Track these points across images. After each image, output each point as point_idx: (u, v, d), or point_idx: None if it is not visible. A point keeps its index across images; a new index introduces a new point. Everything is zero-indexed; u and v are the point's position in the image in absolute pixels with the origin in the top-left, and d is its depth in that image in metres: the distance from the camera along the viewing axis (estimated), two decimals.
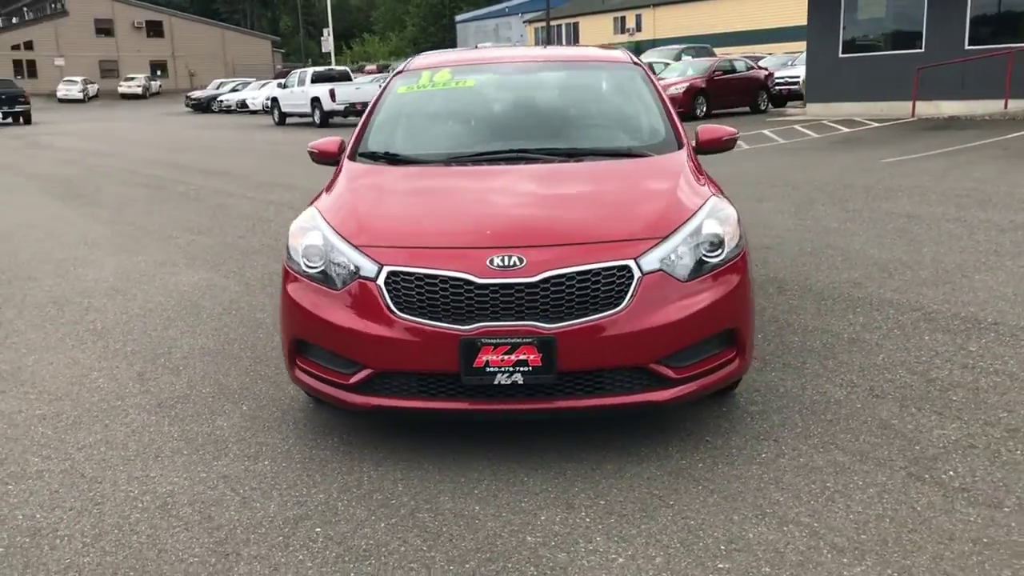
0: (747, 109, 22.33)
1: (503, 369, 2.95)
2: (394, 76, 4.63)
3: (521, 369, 2.95)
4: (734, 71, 22.41)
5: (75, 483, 3.11)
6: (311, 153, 4.29)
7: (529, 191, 3.53)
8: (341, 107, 25.36)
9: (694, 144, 4.17)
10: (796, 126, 17.20)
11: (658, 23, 54.58)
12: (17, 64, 57.78)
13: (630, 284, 3.02)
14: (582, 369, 3.00)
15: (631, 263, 3.04)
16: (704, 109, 21.07)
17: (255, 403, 3.82)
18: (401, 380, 3.09)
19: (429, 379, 3.05)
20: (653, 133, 4.02)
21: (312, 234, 3.34)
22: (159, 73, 62.22)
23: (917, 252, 6.15)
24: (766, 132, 16.27)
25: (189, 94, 44.18)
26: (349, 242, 3.21)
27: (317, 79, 26.80)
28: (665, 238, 3.14)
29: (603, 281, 3.01)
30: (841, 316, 4.78)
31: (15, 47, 58.72)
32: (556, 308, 2.97)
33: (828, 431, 3.35)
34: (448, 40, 77.67)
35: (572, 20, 62.55)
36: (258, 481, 3.09)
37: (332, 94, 25.34)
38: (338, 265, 3.18)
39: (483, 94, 4.43)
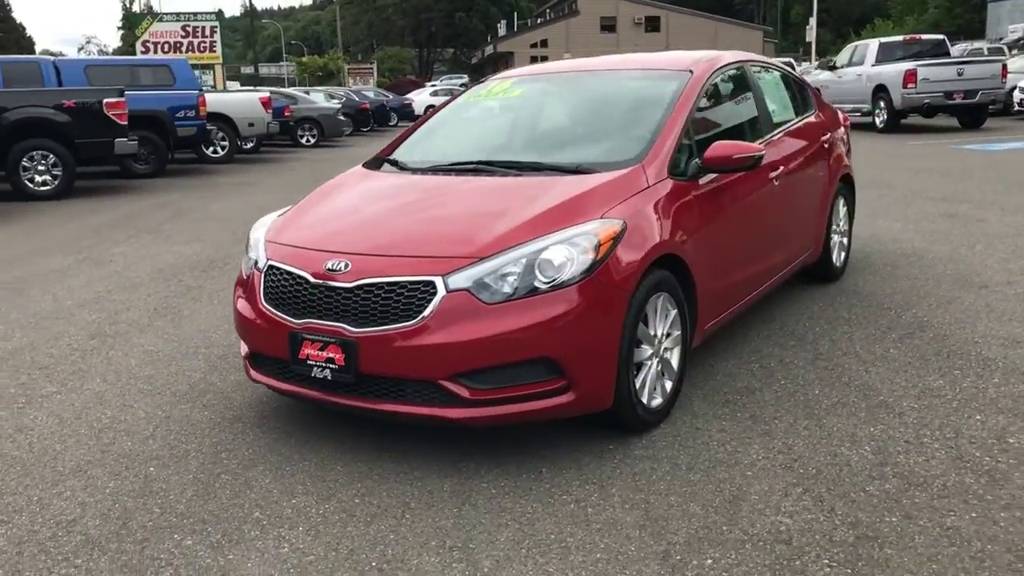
0: None
1: (318, 364, 3.24)
2: (474, 85, 4.92)
3: (330, 366, 3.21)
4: None
5: (87, 406, 4.08)
6: None
7: (426, 202, 3.66)
8: None
9: (699, 162, 3.83)
10: None
11: None
12: (533, 60, 65.84)
13: (431, 299, 3.07)
14: (382, 374, 3.15)
15: (437, 279, 3.08)
16: None
17: None
18: (268, 361, 3.53)
19: (281, 363, 3.44)
20: (627, 149, 3.78)
21: (263, 229, 3.90)
22: None
23: None
24: None
25: None
26: (265, 237, 3.72)
27: None
28: (484, 258, 3.10)
29: (406, 293, 3.11)
30: (918, 376, 3.94)
31: (533, 45, 67.01)
32: (363, 314, 3.16)
33: (667, 491, 3.00)
34: (977, 22, 69.65)
35: None
36: (174, 425, 3.74)
37: None
38: (258, 256, 3.70)
39: (510, 106, 4.52)
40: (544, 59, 66.59)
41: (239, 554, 2.71)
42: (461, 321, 3.04)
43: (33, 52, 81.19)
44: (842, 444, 3.29)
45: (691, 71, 4.24)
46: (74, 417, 3.89)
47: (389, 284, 3.14)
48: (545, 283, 3.08)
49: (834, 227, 5.60)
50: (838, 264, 5.70)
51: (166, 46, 35.97)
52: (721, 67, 4.45)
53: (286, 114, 20.52)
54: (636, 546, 2.67)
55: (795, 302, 5.23)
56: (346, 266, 3.23)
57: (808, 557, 2.55)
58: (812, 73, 23.98)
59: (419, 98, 36.83)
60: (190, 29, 36.21)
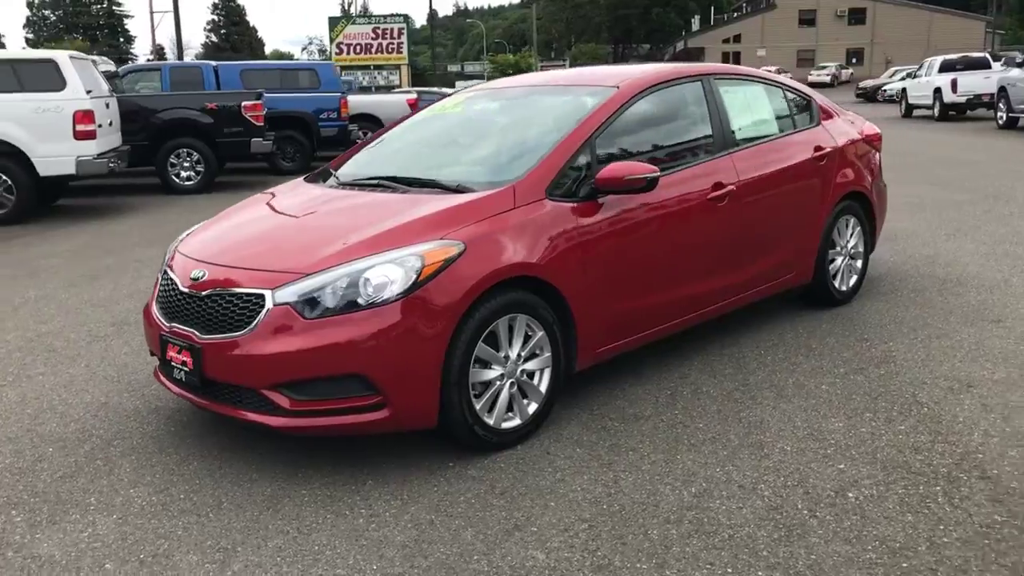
0: None
1: (176, 366, 3.50)
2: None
3: (184, 369, 3.46)
4: None
5: (54, 388, 4.56)
6: None
7: (309, 217, 3.82)
8: (962, 99, 22.85)
9: (593, 184, 3.76)
10: None
11: None
12: (725, 56, 64.13)
13: (259, 312, 3.25)
14: (220, 380, 3.36)
15: (267, 293, 3.26)
16: None
17: None
18: (161, 364, 3.82)
19: (165, 365, 3.73)
20: (513, 168, 3.76)
21: (180, 237, 4.21)
22: (854, 61, 62.26)
23: None
24: None
25: (861, 83, 43.64)
26: (176, 244, 4.03)
27: (946, 67, 24.41)
28: (310, 274, 3.24)
29: (241, 305, 3.30)
30: (821, 417, 3.70)
31: (725, 40, 65.24)
32: (210, 321, 3.39)
33: (461, 514, 3.02)
34: None
35: None
36: (103, 411, 4.12)
37: (953, 84, 22.96)
38: (164, 263, 4.01)
39: (447, 121, 4.59)
40: (736, 55, 64.72)
41: (45, 535, 3.01)
42: (283, 334, 3.20)
43: (263, 53, 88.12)
44: (672, 483, 3.16)
45: (617, 87, 4.15)
46: (34, 397, 4.38)
47: (230, 295, 3.35)
48: (364, 301, 3.17)
49: (837, 248, 5.24)
50: (844, 288, 5.32)
51: (358, 47, 38.12)
52: (659, 83, 4.31)
53: None
54: (379, 565, 2.73)
55: (772, 326, 4.96)
56: (203, 275, 3.47)
57: None
58: (1001, 71, 21.89)
59: None
60: (379, 31, 38.15)
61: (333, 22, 39.83)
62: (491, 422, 3.44)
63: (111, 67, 14.94)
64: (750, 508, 2.95)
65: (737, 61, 64.40)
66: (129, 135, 12.10)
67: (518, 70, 65.75)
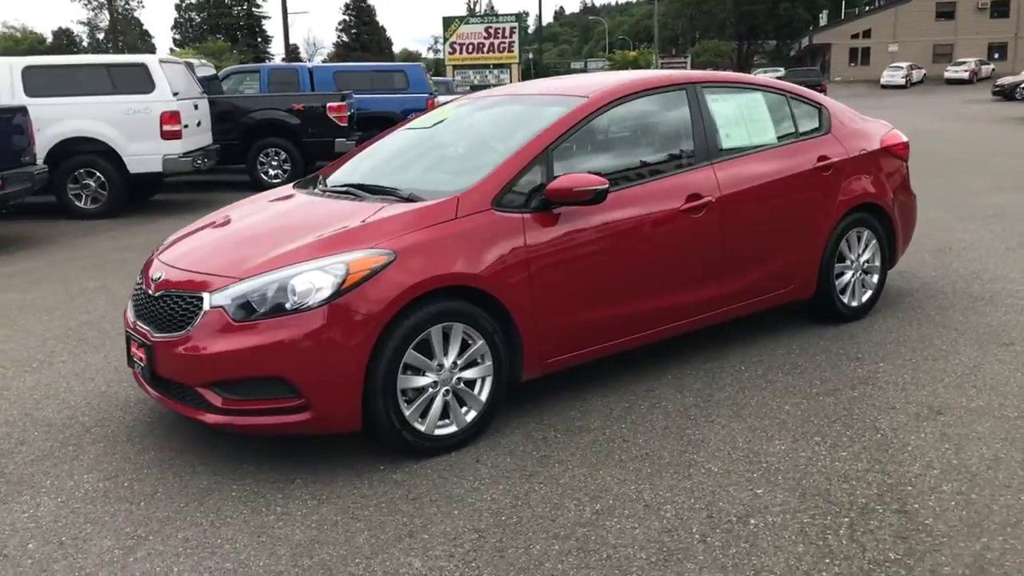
0: None
1: (137, 361, 3.73)
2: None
3: (141, 364, 3.68)
4: None
5: (66, 376, 4.91)
6: None
7: (271, 222, 3.97)
8: None
9: (543, 196, 3.77)
10: None
11: None
12: (852, 52, 61.56)
13: (198, 313, 3.42)
14: (167, 376, 3.56)
15: (206, 295, 3.43)
16: None
17: None
18: (127, 359, 4.05)
19: (130, 361, 3.96)
20: (463, 179, 3.79)
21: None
22: (996, 56, 58.56)
23: None
24: None
25: (998, 80, 41.04)
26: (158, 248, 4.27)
27: None
28: (243, 279, 3.39)
29: (183, 305, 3.49)
30: (767, 439, 3.59)
31: (854, 36, 62.51)
32: (160, 321, 3.59)
33: (366, 517, 3.10)
34: None
35: None
36: (98, 400, 4.43)
37: None
38: None
39: (431, 129, 4.66)
40: (865, 51, 62.01)
41: None
42: (215, 335, 3.36)
43: (391, 51, 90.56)
44: (581, 498, 3.15)
45: (587, 97, 4.13)
46: (46, 384, 4.73)
47: (177, 296, 3.55)
48: (290, 307, 3.30)
49: (847, 262, 5.03)
50: (854, 303, 5.10)
51: (470, 47, 38.66)
52: (633, 92, 4.26)
53: None
54: (265, 563, 2.84)
55: (766, 341, 4.81)
56: (161, 276, 3.68)
57: None
58: None
59: None
60: (492, 31, 38.57)
61: (447, 22, 40.50)
62: (422, 428, 3.50)
63: (210, 70, 15.70)
64: (644, 529, 2.91)
65: (866, 57, 61.77)
66: (223, 134, 12.75)
67: (636, 67, 65.14)
